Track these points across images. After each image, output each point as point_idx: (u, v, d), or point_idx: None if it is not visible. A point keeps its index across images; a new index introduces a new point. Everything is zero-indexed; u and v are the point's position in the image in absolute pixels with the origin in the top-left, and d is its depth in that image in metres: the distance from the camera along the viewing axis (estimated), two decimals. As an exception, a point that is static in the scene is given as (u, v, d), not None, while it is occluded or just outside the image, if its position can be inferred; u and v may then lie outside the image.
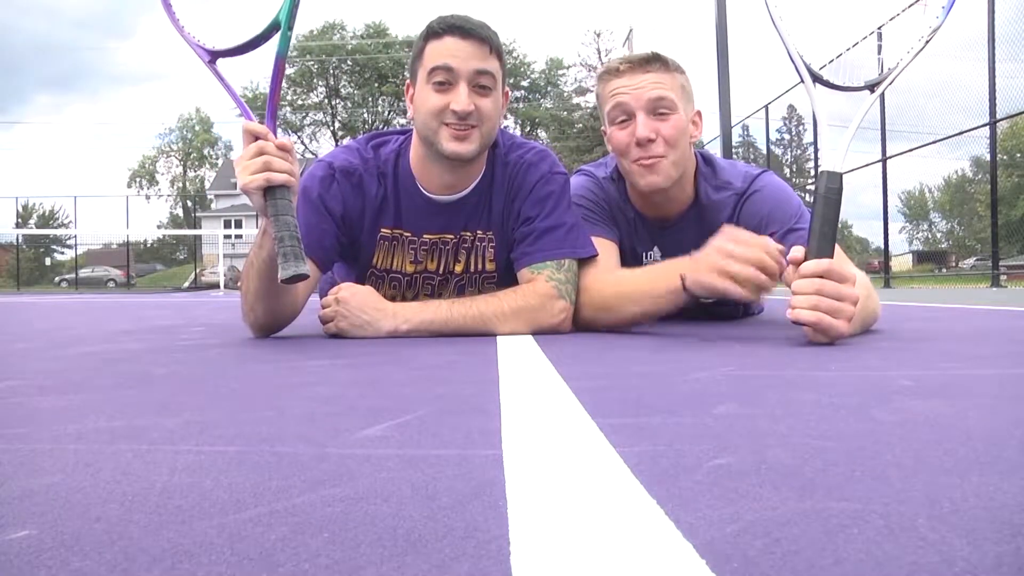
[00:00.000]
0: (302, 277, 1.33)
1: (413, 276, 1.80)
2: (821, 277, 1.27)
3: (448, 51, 1.57)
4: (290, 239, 1.33)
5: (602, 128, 1.88)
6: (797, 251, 1.33)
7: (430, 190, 1.72)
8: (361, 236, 1.75)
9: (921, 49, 1.44)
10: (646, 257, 1.96)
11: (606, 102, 1.79)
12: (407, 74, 1.74)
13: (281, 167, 1.34)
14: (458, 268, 1.80)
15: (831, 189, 1.34)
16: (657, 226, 1.92)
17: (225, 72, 1.46)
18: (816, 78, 1.45)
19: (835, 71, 1.49)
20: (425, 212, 1.74)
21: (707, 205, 1.85)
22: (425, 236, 1.76)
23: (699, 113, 1.84)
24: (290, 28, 1.39)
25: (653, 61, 1.73)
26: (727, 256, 1.38)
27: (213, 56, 1.45)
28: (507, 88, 1.73)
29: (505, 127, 1.92)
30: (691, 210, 1.88)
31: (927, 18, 1.45)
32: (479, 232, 1.78)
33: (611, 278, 1.72)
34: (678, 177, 1.78)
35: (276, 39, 1.40)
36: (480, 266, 1.80)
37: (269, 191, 1.34)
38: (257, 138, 1.36)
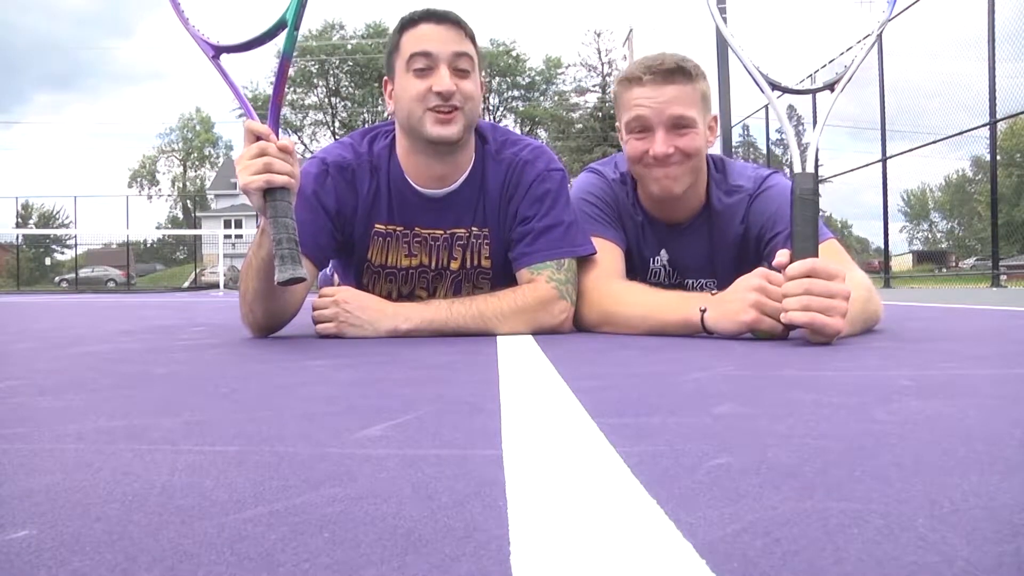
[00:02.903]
0: (299, 280, 1.33)
1: (408, 271, 1.79)
2: (808, 276, 1.27)
3: (425, 36, 1.59)
4: (288, 242, 1.33)
5: (617, 124, 1.87)
6: (782, 255, 1.33)
7: (419, 184, 1.72)
8: (355, 232, 1.74)
9: (873, 44, 1.47)
10: (653, 261, 1.95)
11: (626, 110, 1.76)
12: (385, 71, 1.73)
13: (282, 169, 1.34)
14: (454, 265, 1.80)
15: (805, 190, 1.34)
16: (665, 230, 1.91)
17: (228, 68, 1.45)
18: (774, 86, 1.49)
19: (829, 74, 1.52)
20: (415, 207, 1.73)
21: (719, 211, 1.84)
22: (417, 230, 1.75)
23: (715, 118, 1.82)
24: (296, 28, 1.39)
25: (677, 73, 1.69)
26: (763, 292, 1.37)
27: (217, 51, 1.44)
28: (483, 78, 1.72)
29: (504, 126, 1.92)
30: (701, 215, 1.87)
31: (875, 13, 1.47)
32: (474, 229, 1.77)
33: (618, 289, 1.71)
34: (692, 184, 1.78)
35: (281, 38, 1.40)
36: (476, 262, 1.80)
37: (269, 192, 1.34)
38: (259, 138, 1.36)
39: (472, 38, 1.64)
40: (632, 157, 1.78)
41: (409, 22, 1.62)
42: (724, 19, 1.50)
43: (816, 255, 1.30)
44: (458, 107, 1.60)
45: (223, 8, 1.49)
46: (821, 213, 1.41)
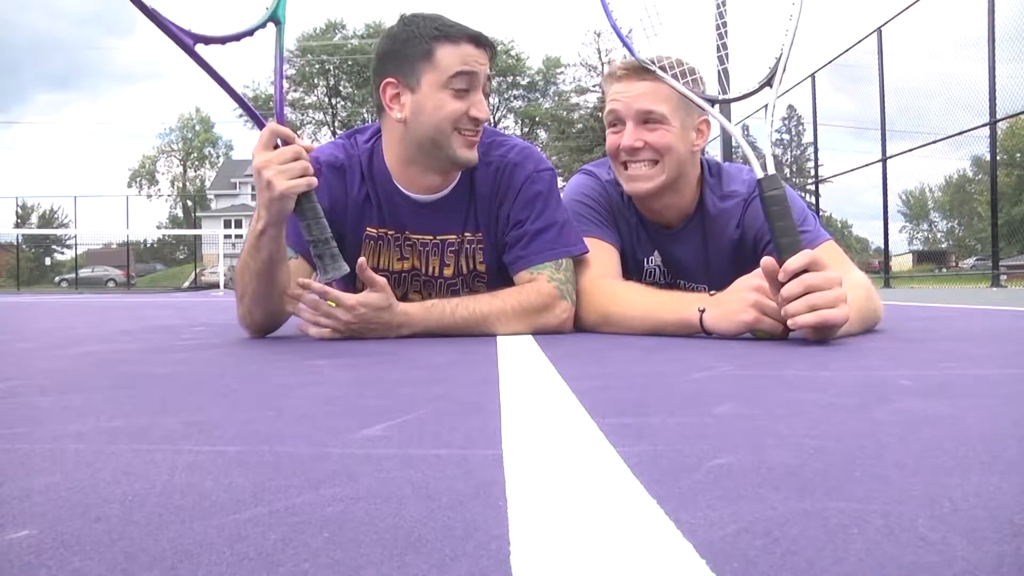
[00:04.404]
0: (345, 273, 1.48)
1: (400, 274, 1.79)
2: (807, 271, 1.27)
3: (471, 59, 1.58)
4: (332, 239, 1.45)
5: None
6: (768, 262, 1.31)
7: (408, 189, 1.72)
8: (346, 232, 1.74)
9: (796, 27, 1.47)
10: (647, 263, 1.94)
11: (606, 105, 1.80)
12: (389, 72, 1.62)
13: (312, 171, 1.42)
14: (447, 272, 1.79)
15: (775, 190, 1.37)
16: (659, 232, 1.90)
17: (211, 61, 1.42)
18: (712, 101, 1.56)
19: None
20: (404, 211, 1.73)
21: (713, 215, 1.83)
22: (407, 233, 1.75)
23: (706, 121, 1.80)
24: (285, 23, 1.45)
25: (650, 69, 1.71)
26: (763, 292, 1.37)
27: (195, 40, 1.38)
28: None
29: (504, 127, 1.93)
30: (695, 219, 1.86)
31: None
32: (467, 234, 1.76)
33: (616, 289, 1.71)
34: (668, 184, 1.76)
35: (262, 34, 1.43)
36: (471, 267, 1.80)
37: (304, 194, 1.41)
38: (285, 141, 1.40)
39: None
40: (608, 151, 1.81)
41: (448, 37, 1.57)
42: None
43: (801, 247, 1.31)
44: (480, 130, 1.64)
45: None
46: (821, 213, 1.43)
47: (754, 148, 1.44)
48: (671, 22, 1.64)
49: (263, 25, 1.43)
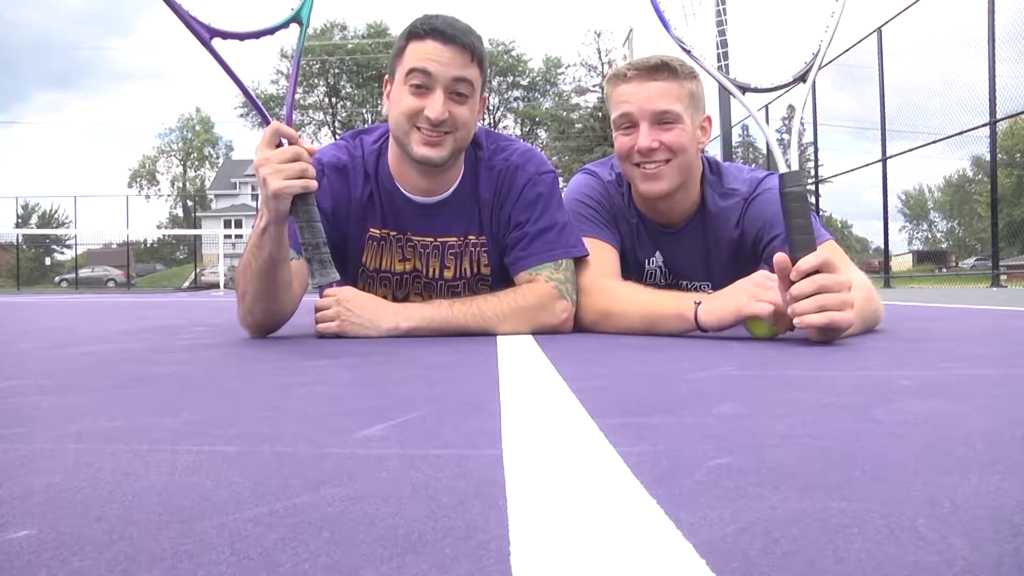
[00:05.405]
0: (335, 280, 1.46)
1: (403, 275, 1.79)
2: (818, 271, 1.27)
3: (428, 55, 1.54)
4: (324, 245, 1.43)
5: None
6: (781, 258, 1.31)
7: (409, 191, 1.72)
8: (349, 233, 1.74)
9: (836, 25, 1.47)
10: (648, 263, 1.94)
11: (613, 107, 1.78)
12: (386, 69, 1.70)
13: (313, 174, 1.40)
14: (448, 274, 1.79)
15: (797, 186, 1.37)
16: (660, 232, 1.90)
17: (227, 56, 1.42)
18: (744, 88, 1.52)
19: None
20: (407, 212, 1.73)
21: (714, 213, 1.84)
22: (409, 235, 1.75)
23: (708, 119, 1.81)
24: (308, 25, 1.45)
25: (661, 69, 1.70)
26: (761, 287, 1.38)
27: (212, 35, 1.40)
28: (485, 95, 1.71)
29: (504, 127, 1.92)
30: (696, 217, 1.86)
31: None
32: (471, 238, 1.77)
33: (613, 288, 1.71)
34: (681, 183, 1.77)
35: (283, 34, 1.42)
36: (475, 270, 1.80)
37: (300, 197, 1.40)
38: (289, 142, 1.40)
39: (479, 59, 1.59)
40: (620, 153, 1.80)
41: (418, 33, 1.56)
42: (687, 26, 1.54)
43: (815, 247, 1.31)
44: (448, 132, 1.58)
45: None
46: (821, 212, 1.44)
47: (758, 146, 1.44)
48: (708, 3, 1.63)
49: (286, 25, 1.43)
